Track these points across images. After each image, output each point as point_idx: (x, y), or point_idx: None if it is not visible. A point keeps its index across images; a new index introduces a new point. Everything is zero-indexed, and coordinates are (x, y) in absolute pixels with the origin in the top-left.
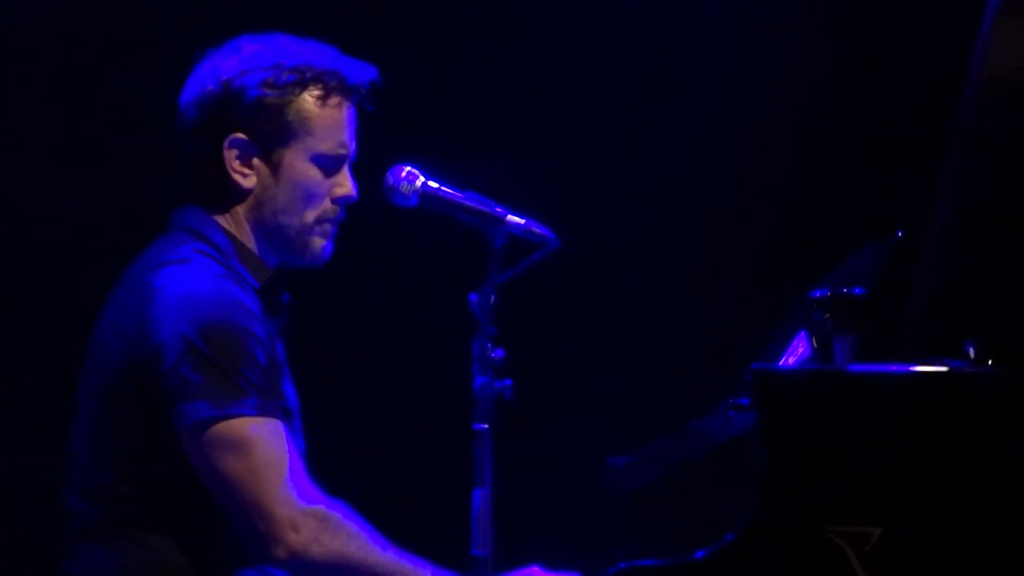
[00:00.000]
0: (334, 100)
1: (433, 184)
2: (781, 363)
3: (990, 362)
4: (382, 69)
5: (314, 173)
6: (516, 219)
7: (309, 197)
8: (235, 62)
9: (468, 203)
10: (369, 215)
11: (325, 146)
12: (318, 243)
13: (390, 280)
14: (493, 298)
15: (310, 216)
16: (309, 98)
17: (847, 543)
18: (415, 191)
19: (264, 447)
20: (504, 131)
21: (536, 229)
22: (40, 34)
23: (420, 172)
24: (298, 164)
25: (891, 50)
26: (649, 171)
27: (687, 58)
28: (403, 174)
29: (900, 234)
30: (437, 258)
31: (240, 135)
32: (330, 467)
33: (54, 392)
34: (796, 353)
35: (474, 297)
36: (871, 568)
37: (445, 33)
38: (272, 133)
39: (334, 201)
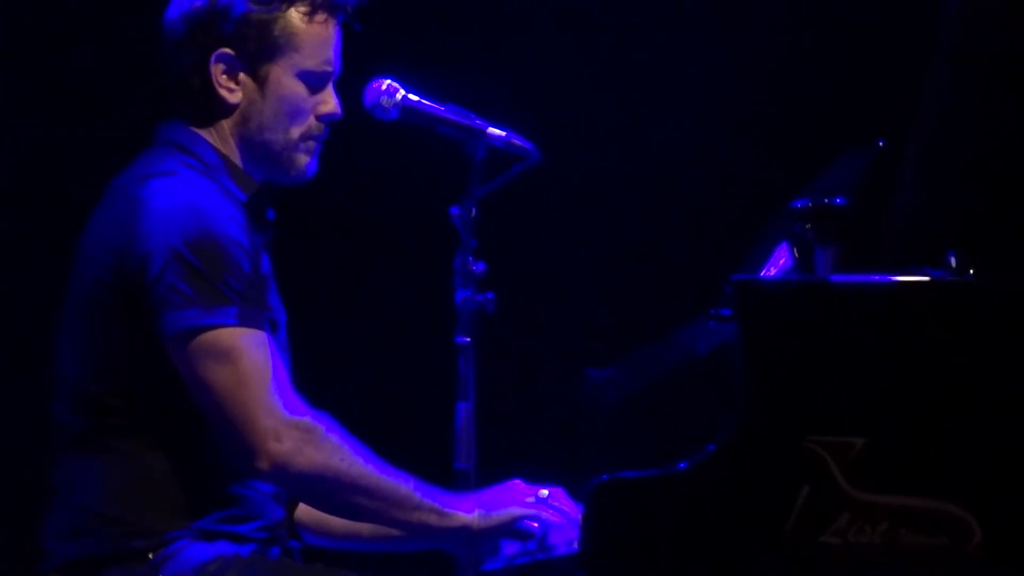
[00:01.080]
0: (321, 16)
1: (413, 97)
2: (762, 274)
3: (971, 271)
4: None
5: (300, 89)
6: (497, 131)
7: (294, 113)
8: None
9: (448, 116)
10: (349, 129)
11: (311, 62)
12: (303, 159)
13: (371, 194)
14: (474, 211)
15: (295, 132)
16: (296, 14)
17: (829, 453)
18: (395, 104)
19: (250, 356)
20: (485, 46)
21: (517, 141)
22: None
23: (400, 85)
24: (284, 80)
25: None
26: (632, 85)
27: None
28: (383, 87)
29: (881, 144)
30: (417, 171)
31: (227, 50)
32: (314, 380)
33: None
34: (778, 264)
35: (455, 210)
36: (853, 478)
37: None
38: (259, 48)
39: (318, 118)
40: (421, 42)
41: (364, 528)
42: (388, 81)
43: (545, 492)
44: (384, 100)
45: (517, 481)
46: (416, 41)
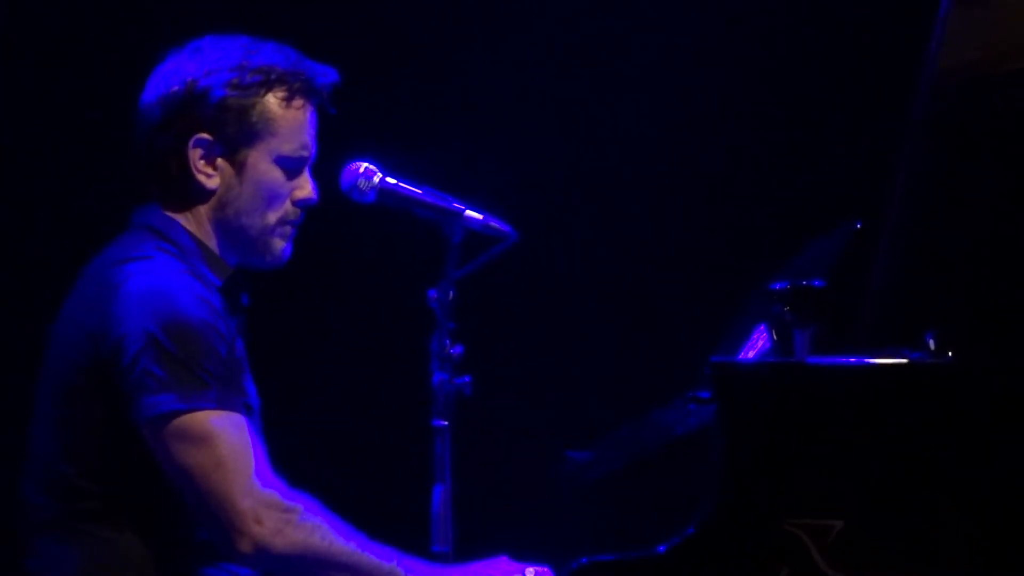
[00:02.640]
0: (298, 102)
1: (391, 180)
2: (741, 356)
3: (950, 353)
4: (336, 65)
5: (277, 174)
6: (474, 214)
7: (271, 198)
8: (199, 62)
9: (426, 199)
10: (326, 211)
11: (288, 147)
12: (278, 244)
13: (347, 276)
14: (451, 294)
15: (272, 217)
16: (273, 99)
17: (808, 536)
18: (372, 187)
19: (227, 440)
20: (460, 127)
21: (494, 224)
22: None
23: (377, 168)
24: (261, 165)
25: (847, 43)
26: (606, 165)
27: (640, 55)
28: (360, 170)
29: (858, 225)
30: (395, 254)
31: (204, 135)
32: (290, 465)
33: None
34: (756, 346)
35: (432, 293)
36: (833, 561)
37: (396, 30)
38: (236, 133)
39: (295, 203)
40: (398, 123)
41: None
42: (365, 164)
43: (531, 572)
44: (361, 183)
45: (503, 558)
46: (393, 122)
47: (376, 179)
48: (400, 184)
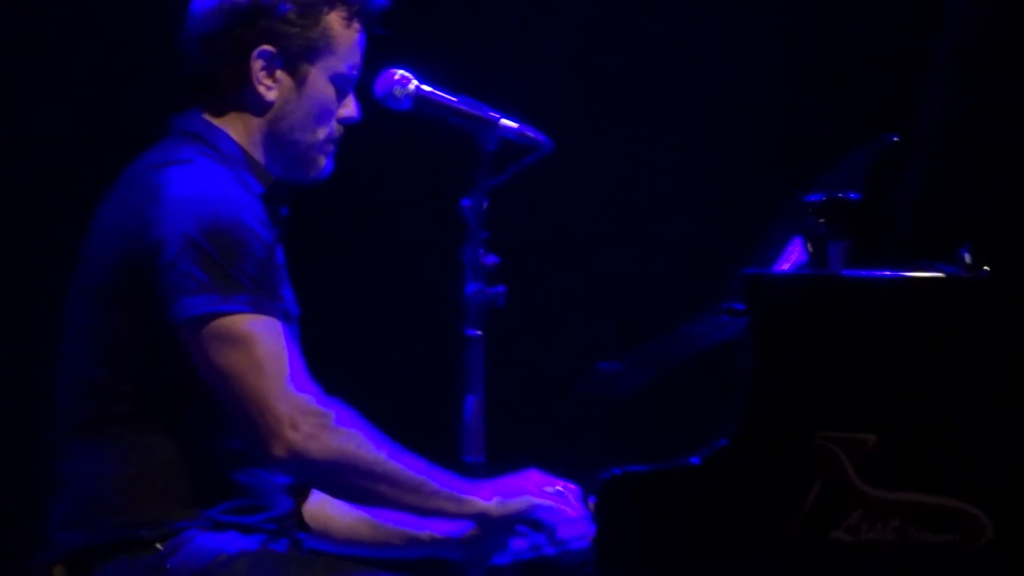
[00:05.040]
0: (356, 23)
1: (426, 87)
2: (775, 268)
3: (986, 267)
4: None
5: (330, 92)
6: (509, 123)
7: (323, 115)
8: None
9: (461, 107)
10: (362, 119)
11: (343, 66)
12: (322, 161)
13: (381, 185)
14: (485, 203)
15: (321, 134)
16: (336, 18)
17: (841, 449)
18: (408, 94)
19: (264, 343)
20: (498, 37)
21: (529, 133)
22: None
23: (413, 75)
24: (319, 82)
25: None
26: (642, 75)
27: None
28: (396, 77)
29: (894, 139)
30: (428, 163)
31: (268, 47)
32: (324, 372)
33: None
34: (790, 258)
35: (466, 202)
36: (866, 474)
37: None
38: (299, 48)
39: (339, 121)
40: (434, 32)
41: (365, 533)
42: (401, 71)
43: (560, 487)
44: (396, 90)
45: (534, 470)
46: (429, 31)
47: (411, 86)
48: (435, 92)
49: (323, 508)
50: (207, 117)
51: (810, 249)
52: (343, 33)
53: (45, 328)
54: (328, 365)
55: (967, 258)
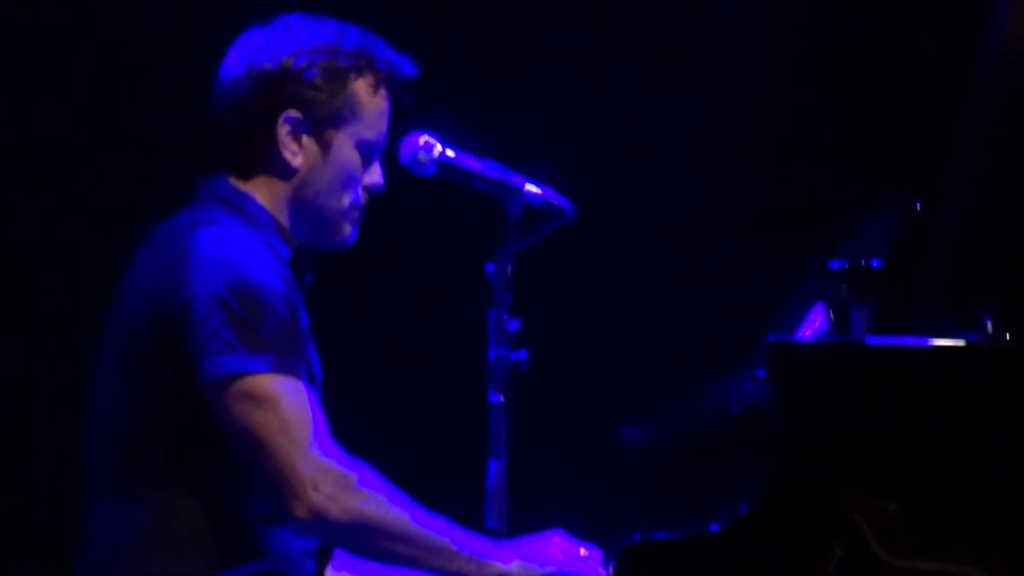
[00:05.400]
0: (383, 91)
1: (450, 153)
2: (798, 335)
3: (1007, 335)
4: (394, 37)
5: (356, 159)
6: (534, 188)
7: (348, 181)
8: (290, 40)
9: (486, 172)
10: (385, 184)
11: (369, 133)
12: (347, 228)
13: (406, 250)
14: (509, 268)
15: (346, 201)
16: (363, 85)
17: (863, 517)
18: (432, 160)
19: (289, 403)
20: (522, 101)
21: (553, 198)
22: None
23: (437, 140)
24: (345, 148)
25: (910, 21)
26: (666, 139)
27: (705, 23)
28: (420, 143)
29: (917, 204)
30: (453, 227)
31: (295, 112)
32: (348, 437)
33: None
34: (813, 325)
35: (490, 267)
36: (887, 544)
37: (456, 6)
38: (326, 114)
39: (364, 188)
40: (457, 96)
41: None
42: (425, 136)
43: (584, 552)
44: (421, 156)
45: (558, 532)
46: (452, 95)
47: (436, 152)
48: (460, 157)
49: None
50: (234, 181)
51: (832, 316)
52: (370, 100)
53: (76, 383)
54: (352, 428)
55: (989, 326)
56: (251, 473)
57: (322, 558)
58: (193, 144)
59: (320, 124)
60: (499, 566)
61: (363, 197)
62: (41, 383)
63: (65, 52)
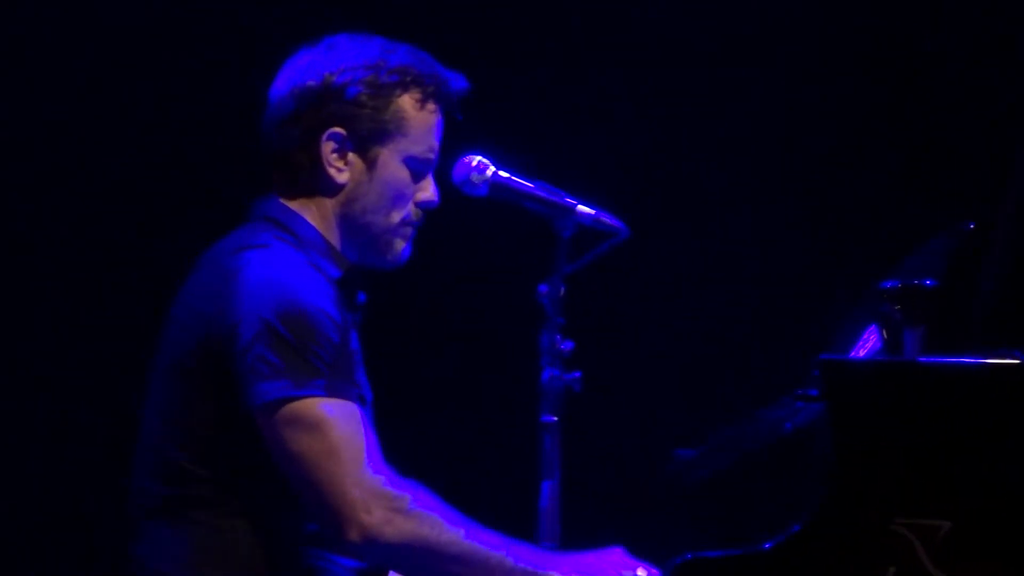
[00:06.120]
0: (431, 106)
1: (503, 174)
2: (851, 354)
3: None
4: (449, 59)
5: (404, 174)
6: (586, 209)
7: (397, 198)
8: (334, 58)
9: (538, 193)
10: (439, 204)
11: (417, 149)
12: (399, 245)
13: (458, 271)
14: (562, 289)
15: (396, 217)
16: (409, 100)
17: (916, 536)
18: (485, 180)
19: (339, 427)
20: (576, 121)
21: (606, 219)
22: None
23: (490, 161)
24: (391, 164)
25: (967, 45)
26: (717, 162)
27: (753, 49)
28: (473, 163)
29: (971, 226)
30: (505, 248)
31: (339, 129)
32: (399, 459)
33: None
34: (866, 345)
35: (543, 288)
36: (940, 562)
37: (508, 25)
38: (370, 131)
39: (417, 204)
40: (510, 117)
41: None
42: (479, 158)
43: (643, 573)
44: (474, 176)
45: (618, 549)
46: (505, 116)
47: (489, 172)
48: (512, 178)
49: None
50: (284, 201)
51: (885, 336)
52: (417, 116)
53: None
54: (405, 451)
55: None
56: (302, 497)
57: None
58: (251, 167)
59: (365, 140)
60: None
61: (415, 213)
62: (87, 408)
63: (133, 71)
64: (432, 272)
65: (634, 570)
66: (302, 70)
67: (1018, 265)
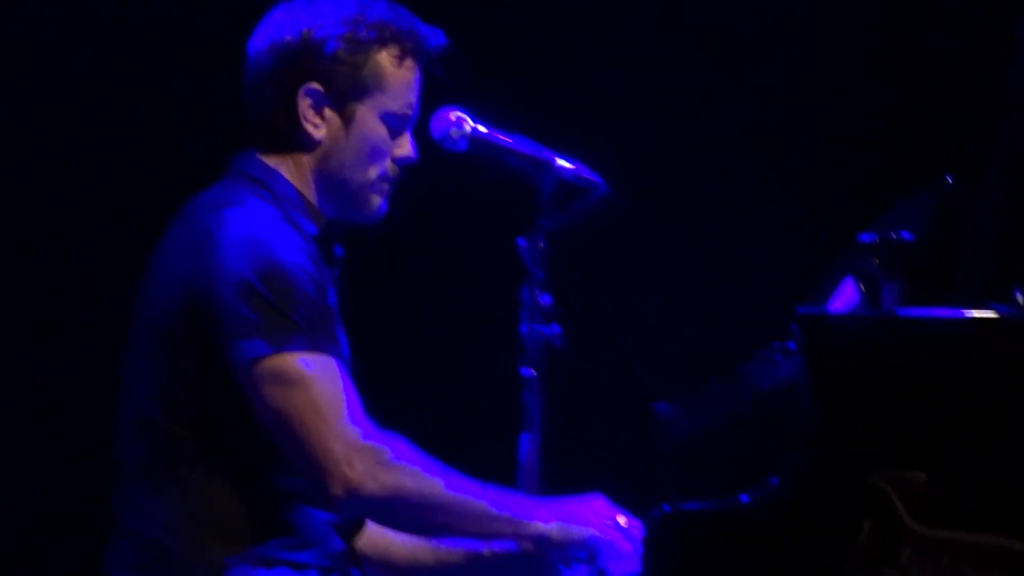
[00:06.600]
0: (409, 62)
1: (482, 129)
2: (828, 308)
3: None
4: (430, 16)
5: (381, 131)
6: (565, 164)
7: (374, 154)
8: (312, 13)
9: (517, 148)
10: (417, 160)
11: (395, 105)
12: (376, 200)
13: (437, 225)
14: (542, 244)
15: (372, 173)
16: (387, 56)
17: (892, 488)
18: (464, 135)
19: (320, 383)
20: (554, 77)
21: (585, 174)
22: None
23: (469, 116)
24: (368, 120)
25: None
26: (696, 115)
27: (733, 7)
28: (452, 118)
29: (950, 180)
30: (485, 203)
31: (316, 85)
32: (379, 413)
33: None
34: (844, 299)
35: (523, 243)
36: (916, 514)
37: None
38: (347, 86)
39: (394, 161)
40: (489, 72)
41: (427, 558)
42: (457, 112)
43: (624, 520)
44: (453, 131)
45: (599, 496)
46: (484, 71)
47: (468, 128)
48: (492, 133)
49: (383, 536)
50: (262, 158)
51: (863, 289)
52: (394, 72)
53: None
54: (384, 405)
55: (1021, 298)
56: (284, 453)
57: (351, 532)
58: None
59: (342, 96)
60: (539, 525)
61: (392, 169)
62: (66, 367)
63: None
64: (412, 227)
65: (614, 516)
66: (280, 25)
67: (997, 221)
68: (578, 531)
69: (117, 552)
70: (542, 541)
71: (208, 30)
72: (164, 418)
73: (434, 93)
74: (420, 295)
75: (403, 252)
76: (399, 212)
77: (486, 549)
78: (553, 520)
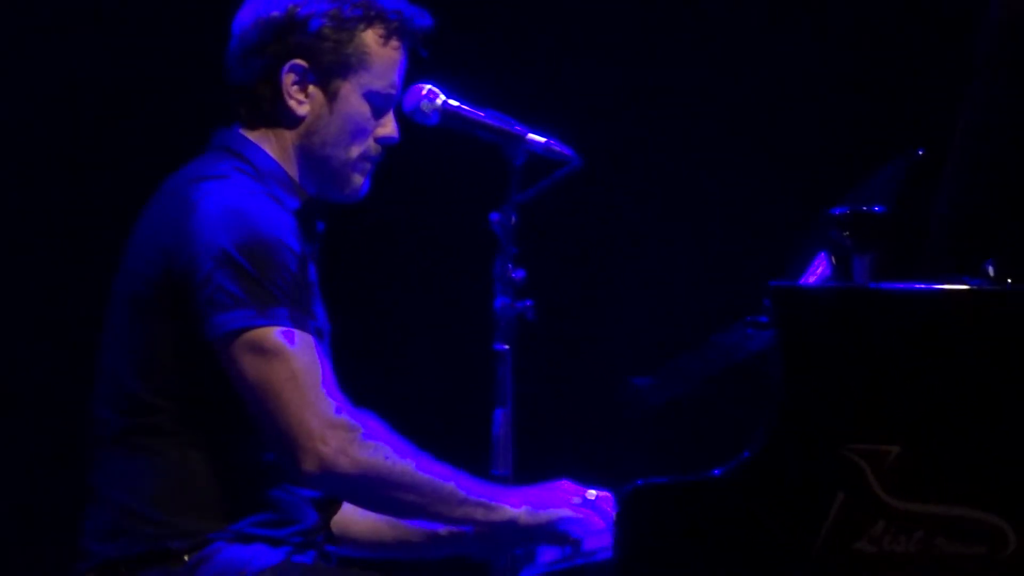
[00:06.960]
0: (394, 41)
1: (453, 102)
2: (801, 281)
3: (1008, 280)
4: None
5: (364, 109)
6: (537, 137)
7: (357, 132)
8: None
9: (489, 121)
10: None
11: (379, 84)
12: (357, 179)
13: (410, 200)
14: (514, 218)
15: (354, 151)
16: (372, 35)
17: (865, 461)
18: (435, 109)
19: (297, 357)
20: (525, 51)
21: (557, 147)
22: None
23: (440, 90)
24: (352, 98)
25: None
26: (668, 87)
27: None
28: (423, 92)
29: (921, 152)
30: (457, 177)
31: (300, 61)
32: (353, 386)
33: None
34: (816, 272)
35: (495, 216)
36: (889, 486)
37: None
38: (332, 63)
39: (377, 140)
40: (461, 47)
41: (387, 533)
42: (428, 86)
43: (593, 494)
44: (424, 105)
45: (566, 481)
46: (456, 45)
47: (439, 101)
48: (463, 106)
49: (343, 513)
50: (245, 132)
51: (834, 262)
52: (379, 51)
53: (82, 335)
54: (358, 379)
55: (991, 271)
56: (260, 427)
57: (328, 508)
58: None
59: (326, 73)
60: (507, 510)
61: (374, 149)
62: (44, 335)
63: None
64: (384, 200)
65: (583, 494)
66: (266, 1)
67: (968, 193)
68: (546, 515)
69: (92, 521)
70: (510, 525)
71: (191, 7)
72: (141, 388)
73: (416, 67)
74: (393, 270)
75: (375, 227)
76: (373, 185)
77: (444, 528)
78: (521, 504)
